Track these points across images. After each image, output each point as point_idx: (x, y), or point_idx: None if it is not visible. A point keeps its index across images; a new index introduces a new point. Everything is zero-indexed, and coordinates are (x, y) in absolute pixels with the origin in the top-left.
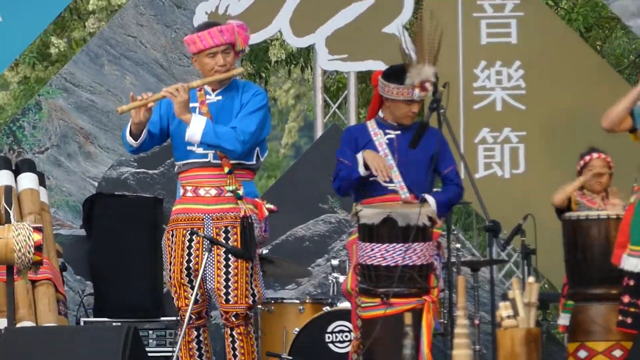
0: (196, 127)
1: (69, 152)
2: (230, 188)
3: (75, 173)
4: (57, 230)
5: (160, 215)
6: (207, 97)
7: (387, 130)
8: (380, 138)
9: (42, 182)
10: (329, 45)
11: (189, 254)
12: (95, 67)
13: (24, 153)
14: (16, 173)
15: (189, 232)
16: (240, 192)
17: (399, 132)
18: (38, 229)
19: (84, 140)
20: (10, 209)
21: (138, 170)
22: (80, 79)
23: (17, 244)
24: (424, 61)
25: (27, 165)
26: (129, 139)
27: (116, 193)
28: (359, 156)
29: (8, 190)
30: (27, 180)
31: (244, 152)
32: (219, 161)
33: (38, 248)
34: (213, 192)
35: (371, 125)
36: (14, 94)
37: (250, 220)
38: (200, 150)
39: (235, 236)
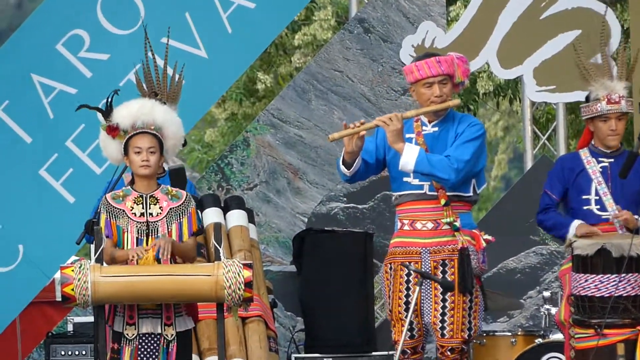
0: (409, 156)
1: (278, 188)
2: (447, 220)
3: (285, 209)
4: (267, 266)
5: (370, 249)
6: (424, 128)
7: (600, 158)
8: (593, 166)
9: (251, 219)
10: (536, 77)
11: (407, 288)
12: (303, 102)
13: (233, 190)
14: (225, 210)
15: (403, 265)
16: (457, 224)
17: (612, 160)
18: (248, 266)
19: (292, 176)
20: (220, 247)
21: (348, 205)
22: (288, 115)
23: (227, 281)
24: (608, 75)
25: (236, 202)
26: (343, 168)
27: (326, 228)
28: (574, 225)
29: (217, 227)
30: (236, 217)
31: (458, 181)
32: (435, 193)
33: (248, 285)
34: (430, 225)
35: (584, 153)
36: (222, 130)
37: (467, 252)
38: (416, 182)
39: (452, 269)
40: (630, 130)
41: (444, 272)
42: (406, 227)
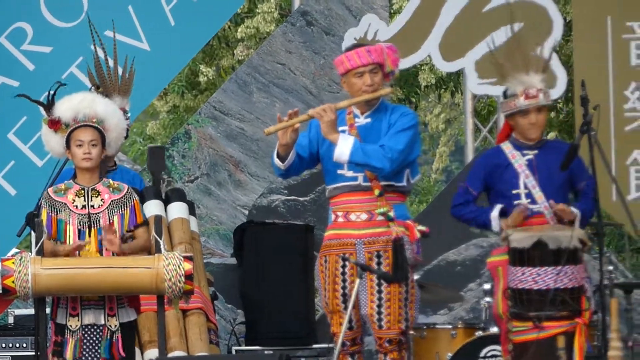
0: (344, 146)
1: (219, 180)
2: (381, 210)
3: (226, 201)
4: (207, 259)
5: (311, 242)
6: (356, 119)
7: (524, 151)
8: (518, 159)
9: (192, 211)
10: (478, 69)
11: (344, 280)
12: (244, 95)
13: (174, 182)
14: (166, 202)
15: (341, 257)
16: (391, 214)
17: (536, 151)
18: (189, 258)
19: (233, 169)
20: (161, 239)
21: (289, 197)
22: (230, 107)
23: (168, 274)
24: (525, 70)
25: (177, 195)
26: (277, 162)
27: (267, 221)
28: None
29: (158, 219)
30: (177, 210)
31: (393, 170)
32: (368, 184)
33: (189, 277)
34: (364, 216)
35: (507, 147)
36: (164, 123)
37: (401, 242)
38: (350, 174)
39: (387, 260)
40: (571, 123)
41: (378, 264)
42: (340, 219)
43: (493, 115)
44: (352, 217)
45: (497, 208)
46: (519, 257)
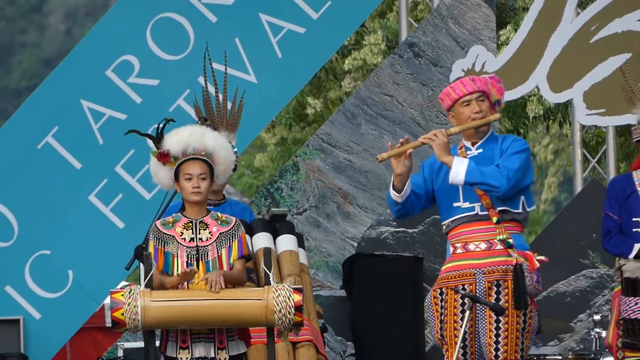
0: (460, 167)
1: (328, 212)
2: (501, 237)
3: (334, 233)
4: (317, 291)
5: (420, 274)
6: (468, 152)
7: None
8: None
9: (301, 244)
10: (586, 100)
11: (463, 311)
12: (352, 127)
13: None
14: (275, 235)
15: (454, 290)
16: (511, 240)
17: None
18: (298, 290)
19: (342, 201)
20: (270, 271)
21: (397, 229)
22: (338, 139)
23: (278, 305)
24: None
25: (286, 227)
26: (393, 193)
27: (376, 253)
28: (637, 246)
29: (267, 252)
30: (286, 242)
31: (509, 189)
32: (486, 212)
33: (298, 309)
34: (483, 246)
35: (636, 175)
36: (271, 155)
37: (521, 268)
38: (466, 205)
39: (506, 290)
40: None
41: (497, 293)
42: (459, 251)
43: (601, 146)
44: (471, 247)
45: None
46: (632, 287)
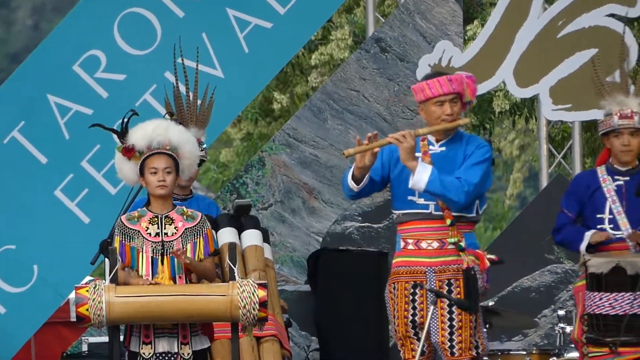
0: (422, 175)
1: (293, 207)
2: (453, 240)
3: (300, 228)
4: (281, 286)
5: (385, 269)
6: (431, 147)
7: (615, 177)
8: (608, 184)
9: (266, 239)
10: (553, 95)
11: (414, 307)
12: (318, 122)
13: None
14: (240, 230)
15: (412, 285)
16: (463, 244)
17: (627, 178)
18: (263, 286)
19: (307, 196)
20: (235, 266)
21: (362, 224)
22: (304, 134)
23: (242, 301)
24: (624, 92)
25: (251, 222)
26: (351, 183)
27: (341, 248)
28: (588, 235)
29: (232, 247)
30: (251, 237)
31: (467, 203)
32: (440, 213)
33: (263, 304)
34: (435, 244)
35: (601, 171)
36: (237, 150)
37: (473, 272)
38: (421, 201)
39: (458, 289)
40: None
41: (449, 292)
42: (410, 247)
43: (567, 141)
44: (424, 245)
45: (588, 235)
46: (597, 282)
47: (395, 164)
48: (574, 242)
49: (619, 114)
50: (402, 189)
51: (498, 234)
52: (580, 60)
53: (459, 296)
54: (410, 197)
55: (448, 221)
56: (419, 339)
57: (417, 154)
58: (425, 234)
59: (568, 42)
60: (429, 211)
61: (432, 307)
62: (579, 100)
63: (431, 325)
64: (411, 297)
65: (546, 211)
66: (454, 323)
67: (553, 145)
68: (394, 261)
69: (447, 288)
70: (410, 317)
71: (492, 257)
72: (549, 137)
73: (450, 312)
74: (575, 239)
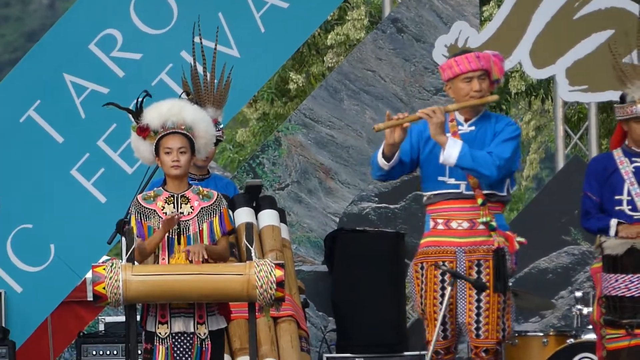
0: (452, 150)
1: (310, 188)
2: (484, 220)
3: (316, 209)
4: (298, 266)
5: (402, 250)
6: (460, 127)
7: (633, 158)
8: (626, 166)
9: (283, 219)
10: (569, 77)
11: (443, 288)
12: (335, 102)
13: (265, 190)
14: (257, 210)
15: (434, 265)
16: (494, 223)
17: None
18: (280, 266)
19: (324, 176)
20: (252, 246)
21: (379, 205)
22: (320, 115)
23: (259, 281)
24: None
25: (268, 202)
26: (381, 161)
27: (357, 228)
28: (613, 223)
29: (249, 227)
30: (268, 217)
31: (499, 178)
32: (471, 192)
33: (280, 284)
34: (465, 225)
35: (617, 153)
36: (253, 130)
37: (503, 253)
38: (452, 181)
39: (487, 269)
40: None
41: (478, 272)
42: (440, 227)
43: (584, 122)
44: (454, 225)
45: (613, 224)
46: (612, 265)
47: (424, 145)
48: (601, 225)
49: None
50: (431, 169)
51: (515, 216)
52: (597, 41)
53: (488, 277)
54: (440, 178)
55: (479, 200)
56: (444, 322)
57: (447, 135)
58: (456, 213)
59: (584, 23)
60: (459, 191)
61: (449, 288)
62: (595, 82)
63: (458, 305)
64: (440, 278)
65: (562, 192)
66: (481, 304)
67: (569, 126)
68: (422, 241)
69: (476, 268)
70: (439, 298)
71: (522, 240)
72: (565, 118)
73: (479, 293)
74: (601, 229)
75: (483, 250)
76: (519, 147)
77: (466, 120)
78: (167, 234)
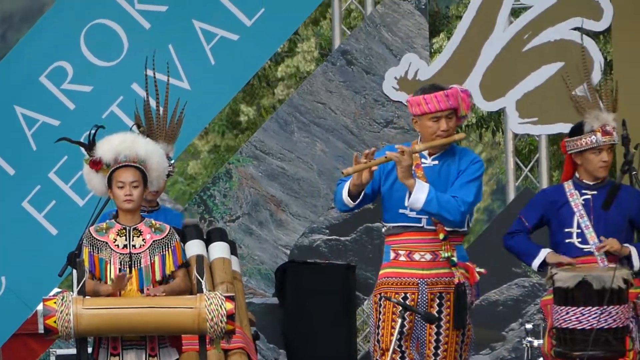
0: (420, 195)
1: (261, 220)
2: (446, 255)
3: (267, 241)
4: (249, 298)
5: (353, 282)
6: (423, 160)
7: (583, 191)
8: (576, 199)
9: (233, 251)
10: (519, 109)
11: (402, 318)
12: (285, 135)
13: (215, 222)
14: (207, 242)
15: (384, 297)
16: (455, 259)
17: (595, 192)
18: (230, 298)
19: (275, 208)
20: (202, 279)
21: (330, 237)
22: (271, 147)
23: (210, 314)
24: (598, 107)
25: (219, 234)
26: (347, 199)
27: (308, 261)
28: (543, 252)
29: (200, 259)
30: (219, 249)
31: (461, 222)
32: (432, 227)
33: (230, 317)
34: (428, 256)
35: (568, 186)
36: (205, 162)
37: (464, 288)
38: (413, 215)
39: (448, 302)
40: (612, 162)
41: (440, 305)
42: (402, 258)
43: (534, 154)
44: (416, 256)
45: (544, 252)
46: (564, 297)
47: (386, 177)
48: (527, 255)
49: (601, 131)
50: (393, 202)
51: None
52: (546, 73)
53: (449, 310)
54: (401, 210)
55: (441, 235)
56: (402, 352)
57: None
58: (418, 245)
59: (533, 56)
60: (421, 225)
61: (399, 321)
62: (545, 114)
63: (419, 339)
64: (400, 308)
65: None
66: (440, 338)
67: (520, 158)
68: (381, 272)
69: (437, 301)
70: (399, 328)
71: (481, 270)
72: (516, 150)
73: (439, 327)
74: (528, 252)
75: (445, 282)
76: (481, 185)
77: (430, 155)
78: (118, 267)
